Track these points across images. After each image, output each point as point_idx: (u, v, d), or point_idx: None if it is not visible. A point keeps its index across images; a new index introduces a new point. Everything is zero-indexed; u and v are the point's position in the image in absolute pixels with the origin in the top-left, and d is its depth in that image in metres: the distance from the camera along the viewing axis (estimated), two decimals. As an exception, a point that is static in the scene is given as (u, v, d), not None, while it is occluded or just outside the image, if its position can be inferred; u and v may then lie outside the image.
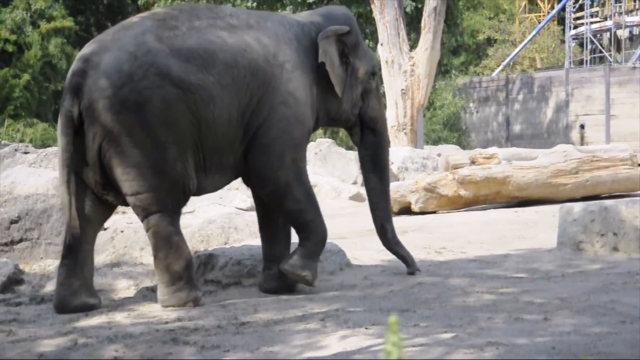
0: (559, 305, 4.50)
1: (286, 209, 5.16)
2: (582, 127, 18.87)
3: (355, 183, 12.50)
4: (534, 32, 26.62)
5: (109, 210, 5.01)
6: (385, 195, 5.74)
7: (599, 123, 18.58)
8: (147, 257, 5.60)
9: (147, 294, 5.25)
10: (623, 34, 25.31)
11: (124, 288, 5.34)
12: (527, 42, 26.27)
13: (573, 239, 6.40)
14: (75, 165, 4.75)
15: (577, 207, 6.52)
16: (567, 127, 19.22)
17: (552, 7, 31.06)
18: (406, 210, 9.99)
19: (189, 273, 4.83)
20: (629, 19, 24.98)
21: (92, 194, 4.85)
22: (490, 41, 31.35)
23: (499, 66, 25.70)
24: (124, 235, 5.71)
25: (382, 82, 16.02)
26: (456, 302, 4.71)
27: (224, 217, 6.60)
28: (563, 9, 27.92)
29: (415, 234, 8.06)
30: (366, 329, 4.08)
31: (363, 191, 11.14)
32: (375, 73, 5.66)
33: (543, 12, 32.63)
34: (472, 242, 7.12)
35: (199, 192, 5.07)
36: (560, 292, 4.87)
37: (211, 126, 4.84)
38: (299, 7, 21.55)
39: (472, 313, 4.37)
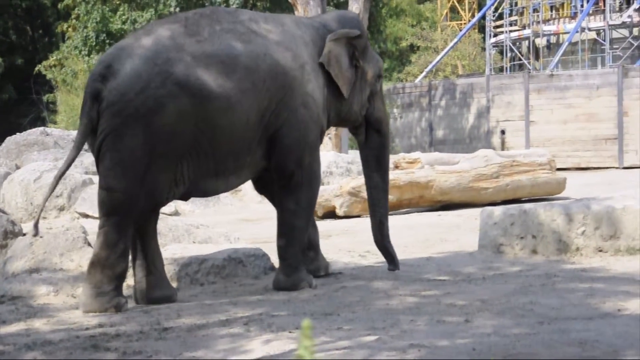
0: (479, 307, 4.57)
1: (284, 205, 5.36)
2: (502, 132, 19.21)
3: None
4: (455, 40, 27.03)
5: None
6: (385, 193, 5.95)
7: (518, 128, 18.94)
8: (67, 263, 5.50)
9: (67, 300, 5.16)
10: (541, 42, 25.87)
11: (44, 294, 5.23)
12: (448, 49, 26.65)
13: (494, 242, 6.51)
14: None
15: (498, 210, 6.64)
16: (489, 132, 19.54)
17: (473, 16, 31.57)
18: (331, 214, 10.02)
19: (119, 282, 4.86)
20: (547, 27, 25.54)
21: None
22: (413, 48, 31.70)
23: (421, 73, 26.02)
24: (43, 240, 5.60)
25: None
26: (379, 305, 4.75)
27: (146, 222, 6.51)
28: (483, 17, 28.40)
29: (339, 237, 8.10)
30: (290, 332, 4.08)
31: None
32: (381, 76, 5.89)
33: (464, 20, 33.14)
34: (396, 245, 7.13)
35: (209, 194, 5.33)
36: (481, 295, 4.95)
37: (226, 132, 4.95)
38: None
39: (395, 316, 4.41)
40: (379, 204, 5.94)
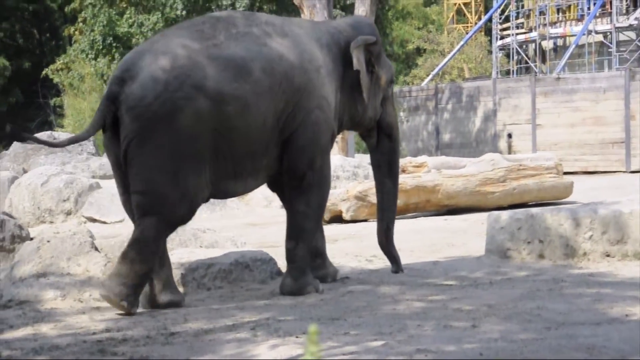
0: (486, 312, 4.56)
1: (295, 207, 5.40)
2: (509, 136, 19.18)
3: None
4: (461, 43, 27.03)
5: None
6: (395, 198, 6.05)
7: (525, 132, 18.91)
8: (74, 268, 5.51)
9: (74, 305, 5.16)
10: (547, 45, 25.85)
11: (51, 299, 5.24)
12: (455, 52, 26.65)
13: (500, 247, 6.50)
14: (116, 171, 5.02)
15: (505, 215, 6.62)
16: (495, 136, 19.52)
17: (479, 18, 31.58)
18: (337, 219, 10.02)
19: (141, 281, 4.88)
20: (553, 30, 25.53)
21: None
22: (419, 51, 31.72)
23: (428, 76, 26.02)
24: (50, 245, 5.60)
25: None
26: (386, 310, 4.74)
27: (153, 226, 6.51)
28: (490, 20, 28.41)
29: (346, 242, 8.10)
30: (297, 337, 4.08)
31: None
32: (392, 81, 5.97)
33: (471, 23, 33.16)
34: (403, 250, 7.15)
35: (228, 196, 5.43)
36: (488, 299, 4.94)
37: (243, 134, 5.01)
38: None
39: (401, 321, 4.41)
40: (389, 209, 5.99)
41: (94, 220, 9.59)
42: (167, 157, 4.81)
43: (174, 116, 4.80)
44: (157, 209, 4.86)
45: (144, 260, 4.85)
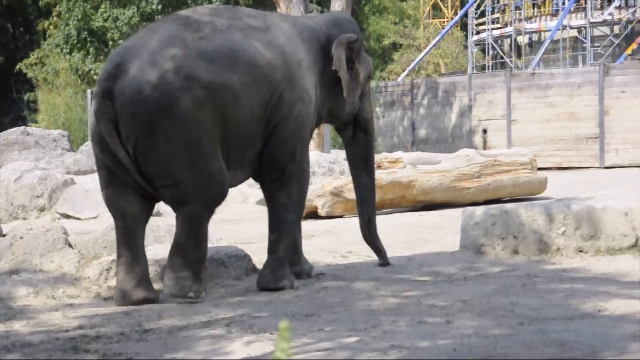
0: (460, 308, 4.59)
1: (276, 199, 5.45)
2: (484, 131, 19.25)
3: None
4: (437, 38, 27.08)
5: (150, 204, 5.21)
6: (373, 192, 6.18)
7: (500, 127, 18.98)
8: (47, 264, 5.48)
9: (47, 302, 5.13)
10: (523, 40, 25.98)
11: (23, 296, 5.20)
12: (431, 47, 26.70)
13: (475, 242, 6.53)
14: (113, 166, 4.95)
15: (479, 210, 6.66)
16: (471, 131, 19.58)
17: (456, 13, 31.66)
18: (313, 215, 10.02)
19: (199, 267, 5.01)
20: (529, 25, 25.66)
21: (130, 191, 5.03)
22: (395, 46, 31.75)
23: (404, 71, 26.06)
24: (23, 241, 5.57)
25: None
26: (361, 306, 4.76)
27: (127, 223, 6.48)
28: (465, 15, 28.49)
29: (321, 237, 8.10)
30: (271, 334, 4.08)
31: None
32: (370, 77, 6.05)
33: (447, 17, 33.23)
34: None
35: None
36: (462, 295, 4.97)
37: (235, 124, 5.07)
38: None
39: (376, 317, 4.42)
40: (367, 202, 6.12)
41: (68, 217, 9.52)
42: (179, 146, 4.88)
43: (174, 107, 4.87)
44: (191, 196, 4.95)
45: (196, 248, 4.98)
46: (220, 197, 5.12)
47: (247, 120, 5.13)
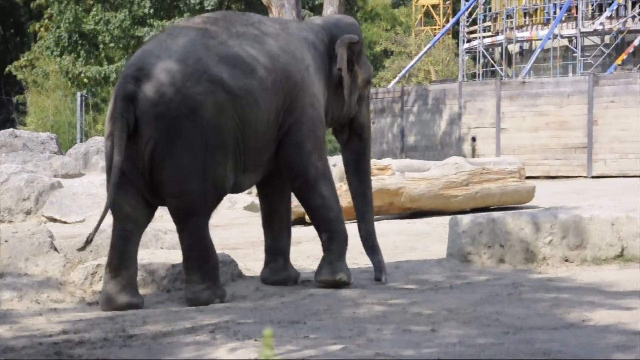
0: (446, 317, 4.58)
1: (312, 204, 5.54)
2: (473, 139, 19.27)
3: (250, 193, 12.46)
4: (429, 45, 27.10)
5: (152, 212, 5.24)
6: (363, 197, 6.05)
7: (489, 136, 19.00)
8: (32, 268, 5.45)
9: (31, 306, 5.10)
10: (514, 48, 26.03)
11: (7, 300, 5.17)
12: (422, 54, 26.72)
13: (462, 251, 6.53)
14: (128, 169, 4.95)
15: (466, 218, 6.66)
16: (460, 139, 19.60)
17: (447, 21, 31.72)
18: (300, 221, 9.99)
19: (216, 273, 5.16)
20: (520, 34, 25.71)
21: (138, 196, 5.05)
22: (387, 53, 31.80)
23: (395, 78, 26.08)
24: (8, 245, 5.54)
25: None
26: (346, 314, 4.75)
27: (114, 227, 6.46)
28: (457, 22, 28.54)
29: (309, 244, 8.09)
30: (255, 340, 4.07)
31: (257, 201, 11.13)
32: (369, 82, 6.05)
33: (438, 25, 33.30)
34: (365, 253, 7.17)
35: (236, 190, 5.48)
36: (447, 304, 4.96)
37: (253, 128, 5.16)
38: (197, 14, 21.39)
39: (361, 324, 4.41)
40: (359, 210, 6.05)
41: (54, 220, 9.48)
42: (197, 153, 4.94)
43: (197, 111, 4.93)
44: (198, 208, 5.02)
45: (208, 258, 5.07)
46: (217, 203, 5.21)
47: (265, 124, 5.23)
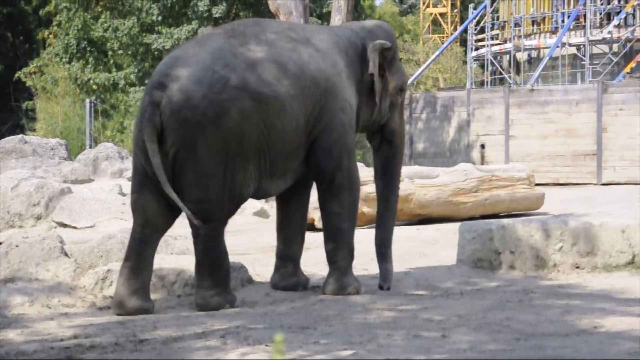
0: (456, 323, 4.58)
1: (329, 210, 5.56)
2: (482, 146, 19.24)
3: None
4: (437, 53, 27.09)
5: (174, 217, 5.26)
6: (386, 202, 6.00)
7: (498, 143, 18.97)
8: (42, 273, 5.46)
9: (42, 311, 5.11)
10: (522, 56, 26.00)
11: (18, 304, 5.18)
12: (430, 62, 26.71)
13: (472, 257, 6.52)
14: (150, 172, 5.00)
15: (476, 225, 6.65)
16: (469, 146, 19.58)
17: (455, 29, 31.74)
18: (310, 227, 9.98)
19: (227, 279, 5.19)
20: (528, 42, 25.68)
21: (161, 200, 5.08)
22: (395, 60, 31.77)
23: (403, 85, 26.00)
24: (19, 249, 5.55)
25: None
26: (357, 319, 4.74)
27: (124, 232, 6.46)
28: (465, 30, 28.54)
29: (318, 250, 8.06)
30: (266, 346, 4.07)
31: (267, 207, 11.13)
32: (403, 89, 6.03)
33: (446, 33, 33.31)
34: (374, 259, 7.15)
35: (262, 196, 5.58)
36: (458, 310, 4.95)
37: (280, 134, 5.19)
38: (205, 21, 21.44)
39: (372, 330, 4.41)
40: (380, 216, 6.01)
41: (64, 225, 9.48)
42: (218, 160, 4.99)
43: (222, 118, 4.97)
44: (215, 214, 5.06)
45: (220, 265, 5.11)
46: (234, 210, 5.25)
47: (292, 130, 5.25)
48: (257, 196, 5.48)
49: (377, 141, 6.03)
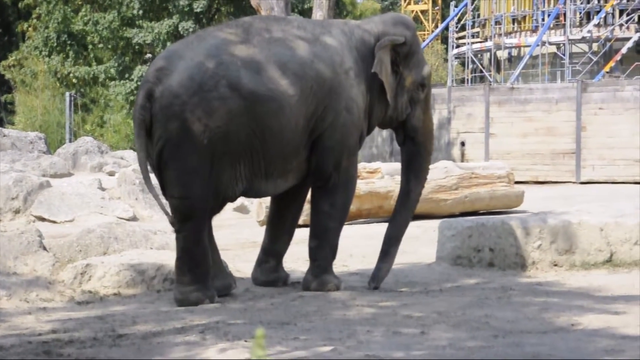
0: (435, 319, 4.59)
1: (320, 208, 5.54)
2: (462, 144, 19.30)
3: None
4: (418, 50, 27.13)
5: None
6: (404, 197, 6.03)
7: (478, 140, 19.03)
8: (21, 267, 5.43)
9: (20, 305, 5.08)
10: (502, 54, 26.10)
11: (-4, 299, 5.15)
12: (411, 59, 26.74)
13: (451, 254, 6.55)
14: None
15: (456, 222, 6.68)
16: (449, 143, 19.64)
17: (436, 26, 31.82)
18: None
19: (207, 276, 5.17)
20: (508, 40, 25.79)
21: None
22: (376, 57, 31.81)
23: (384, 82, 26.04)
24: (-3, 243, 5.52)
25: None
26: (336, 316, 4.75)
27: (103, 227, 6.46)
28: (446, 28, 28.62)
29: (299, 246, 8.06)
30: (245, 341, 4.07)
31: (247, 203, 11.12)
32: (424, 85, 5.87)
33: (427, 30, 33.39)
34: (354, 255, 7.19)
35: (258, 195, 5.55)
36: (437, 307, 4.97)
37: (276, 135, 5.14)
38: (186, 16, 21.37)
39: (351, 326, 4.42)
40: (395, 209, 6.07)
41: (43, 220, 9.44)
42: (203, 158, 4.96)
43: (210, 116, 4.94)
44: (196, 212, 5.05)
45: (200, 262, 5.09)
46: (219, 209, 5.25)
47: (291, 130, 5.21)
48: (251, 195, 5.46)
49: (401, 138, 5.96)
